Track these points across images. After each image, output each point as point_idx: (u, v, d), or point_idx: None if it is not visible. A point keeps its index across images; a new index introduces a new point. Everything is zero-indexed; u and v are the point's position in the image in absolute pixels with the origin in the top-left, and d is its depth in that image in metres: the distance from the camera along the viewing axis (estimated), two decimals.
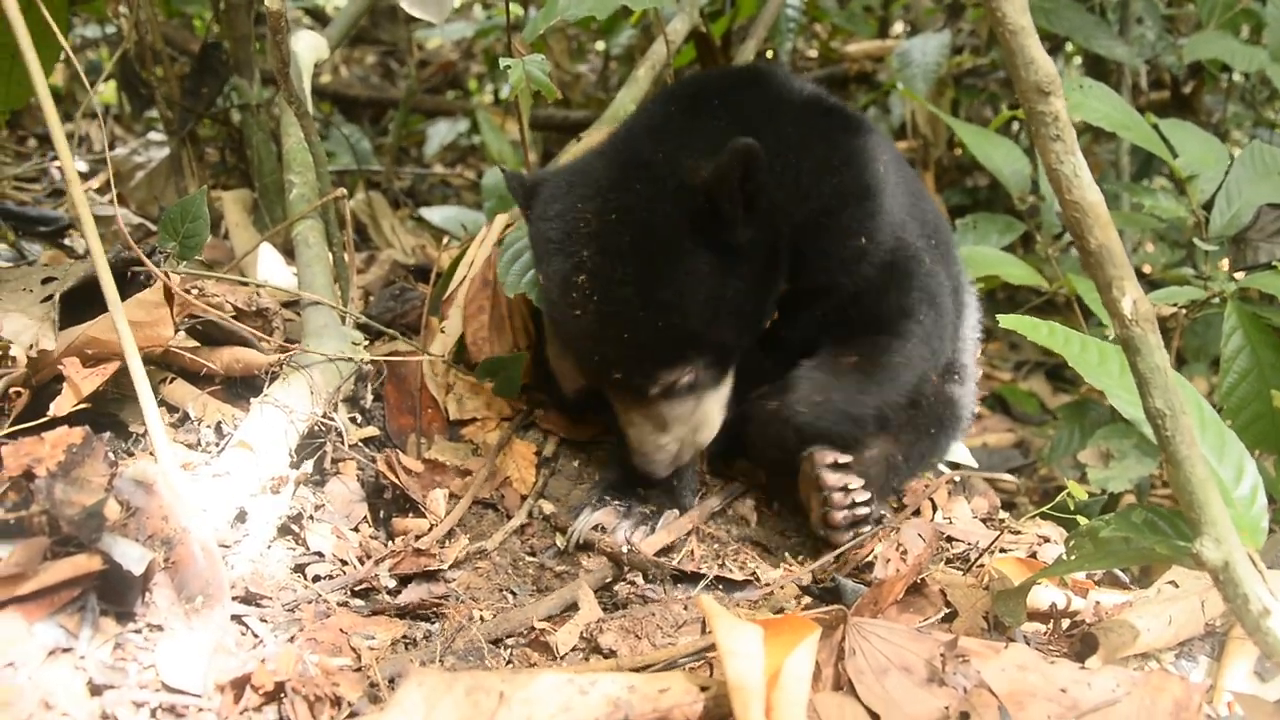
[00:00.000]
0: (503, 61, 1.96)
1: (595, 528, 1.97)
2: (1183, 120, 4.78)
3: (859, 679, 1.40)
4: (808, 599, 1.80)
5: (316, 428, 1.89)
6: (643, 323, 1.83)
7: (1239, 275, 2.58)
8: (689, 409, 1.96)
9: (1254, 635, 1.31)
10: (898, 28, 5.89)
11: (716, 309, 1.86)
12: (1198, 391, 1.49)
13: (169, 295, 1.80)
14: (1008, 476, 2.87)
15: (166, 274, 1.79)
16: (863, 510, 1.96)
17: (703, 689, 1.31)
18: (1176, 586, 1.71)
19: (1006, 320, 1.55)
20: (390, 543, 1.89)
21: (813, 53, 5.84)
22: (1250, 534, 1.39)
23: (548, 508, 2.07)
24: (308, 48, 2.64)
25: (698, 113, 2.03)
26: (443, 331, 2.16)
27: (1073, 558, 1.55)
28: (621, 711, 1.27)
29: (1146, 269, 4.89)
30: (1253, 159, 2.77)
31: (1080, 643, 1.54)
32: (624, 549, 1.88)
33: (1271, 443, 2.37)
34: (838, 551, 1.94)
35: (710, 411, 2.01)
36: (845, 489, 1.96)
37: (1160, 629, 1.60)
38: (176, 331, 1.87)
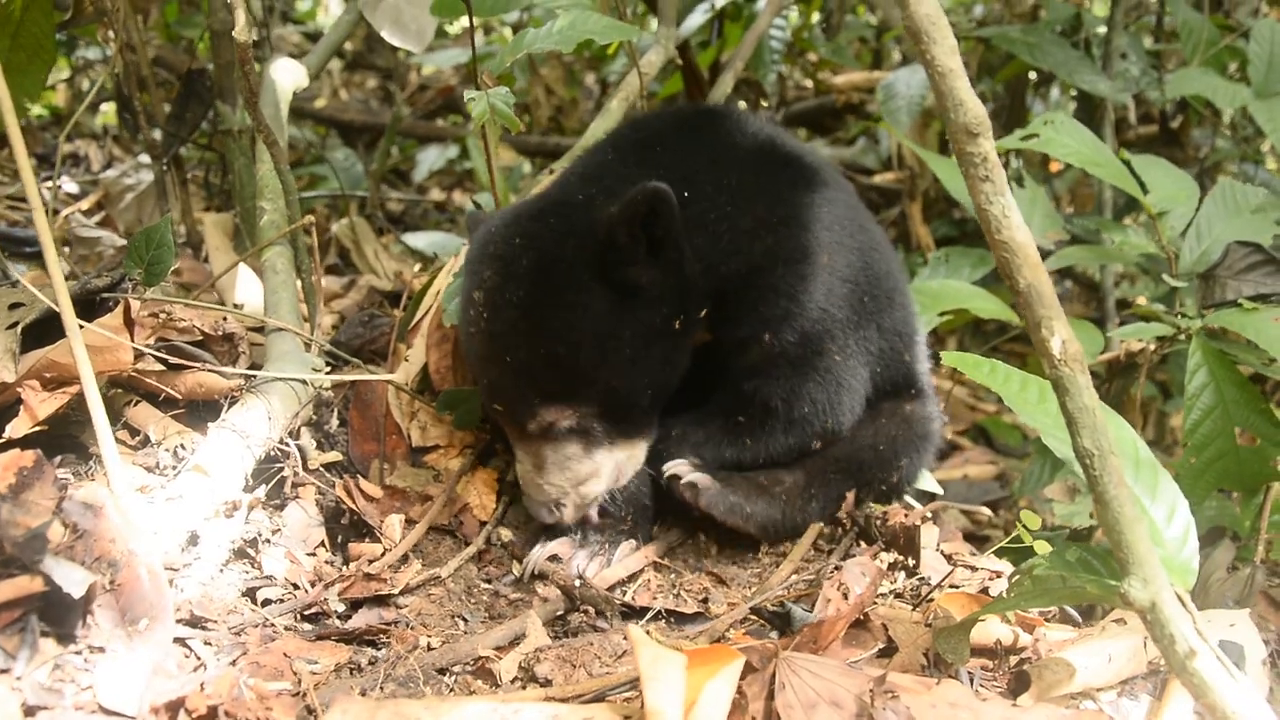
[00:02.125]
0: (466, 94, 1.99)
1: (550, 558, 1.98)
2: (1170, 154, 4.82)
3: (788, 713, 1.40)
4: (748, 629, 1.80)
5: (274, 452, 1.91)
6: (527, 349, 1.85)
7: (1206, 312, 2.59)
8: (572, 456, 1.94)
9: (1181, 676, 1.32)
10: (896, 56, 5.94)
11: (606, 349, 1.86)
12: (1134, 431, 1.50)
13: (129, 320, 1.83)
14: (984, 510, 2.87)
15: (128, 300, 1.81)
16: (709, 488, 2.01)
17: (626, 718, 1.32)
18: (1123, 624, 1.72)
19: (949, 358, 1.57)
20: (344, 567, 1.90)
21: (809, 82, 5.89)
22: (1180, 574, 1.40)
23: (506, 535, 2.09)
24: (287, 75, 2.68)
25: (636, 157, 2.05)
26: (406, 360, 2.18)
27: (1011, 595, 1.55)
28: None
29: (1142, 300, 4.90)
30: (1224, 196, 2.79)
31: (1014, 680, 1.54)
32: (576, 582, 1.89)
33: (1234, 480, 2.37)
34: (786, 581, 1.94)
35: (601, 466, 1.97)
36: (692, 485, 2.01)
37: (1099, 667, 1.60)
38: (138, 358, 1.89)
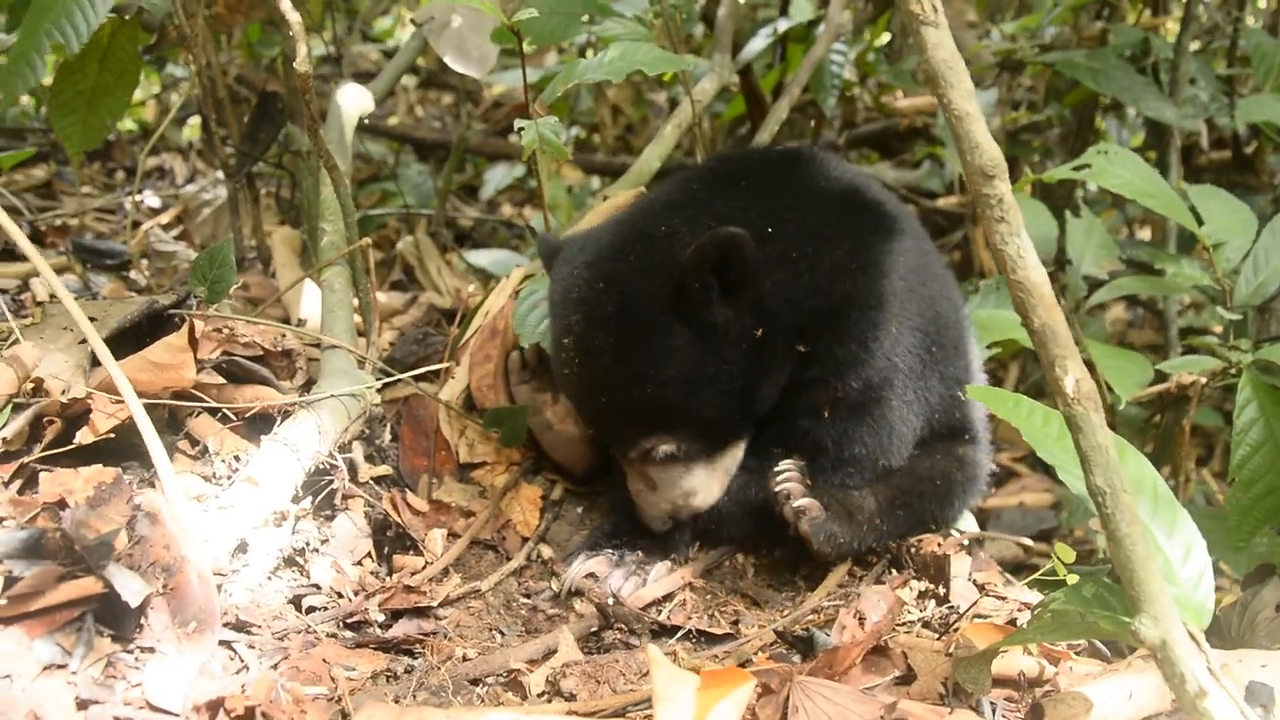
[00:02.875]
0: (516, 123, 2.06)
1: (588, 575, 2.04)
2: (1243, 181, 4.73)
3: None
4: (772, 652, 1.84)
5: (324, 465, 1.99)
6: (619, 391, 1.93)
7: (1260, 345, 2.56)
8: (675, 475, 2.03)
9: (1191, 715, 1.33)
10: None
11: (693, 385, 1.92)
12: (1153, 468, 1.51)
13: (193, 340, 1.93)
14: (1026, 540, 2.85)
15: (193, 319, 1.91)
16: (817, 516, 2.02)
17: None
18: (1148, 661, 1.72)
19: (974, 391, 1.59)
20: (388, 578, 1.98)
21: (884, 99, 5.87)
22: (1194, 613, 1.41)
23: (547, 552, 2.15)
24: (352, 101, 2.79)
25: (722, 191, 2.08)
26: (453, 378, 2.26)
27: (1031, 628, 1.57)
28: None
29: (1218, 329, 4.81)
30: None
31: (1031, 713, 1.56)
32: (610, 600, 1.95)
33: None
34: (814, 604, 1.98)
35: (703, 480, 2.06)
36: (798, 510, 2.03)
37: (1119, 703, 1.60)
38: (199, 372, 1.99)
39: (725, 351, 1.93)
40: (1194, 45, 4.27)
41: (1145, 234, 5.18)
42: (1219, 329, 4.49)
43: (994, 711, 1.65)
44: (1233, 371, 2.47)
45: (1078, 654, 1.89)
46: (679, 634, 1.92)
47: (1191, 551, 1.44)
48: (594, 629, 1.94)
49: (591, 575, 2.04)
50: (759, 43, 3.80)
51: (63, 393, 1.83)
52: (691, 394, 1.93)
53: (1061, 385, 1.34)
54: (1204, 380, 2.62)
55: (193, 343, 1.92)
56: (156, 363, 1.90)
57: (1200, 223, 2.69)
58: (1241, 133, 4.53)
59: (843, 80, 3.82)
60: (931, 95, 5.10)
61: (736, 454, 2.12)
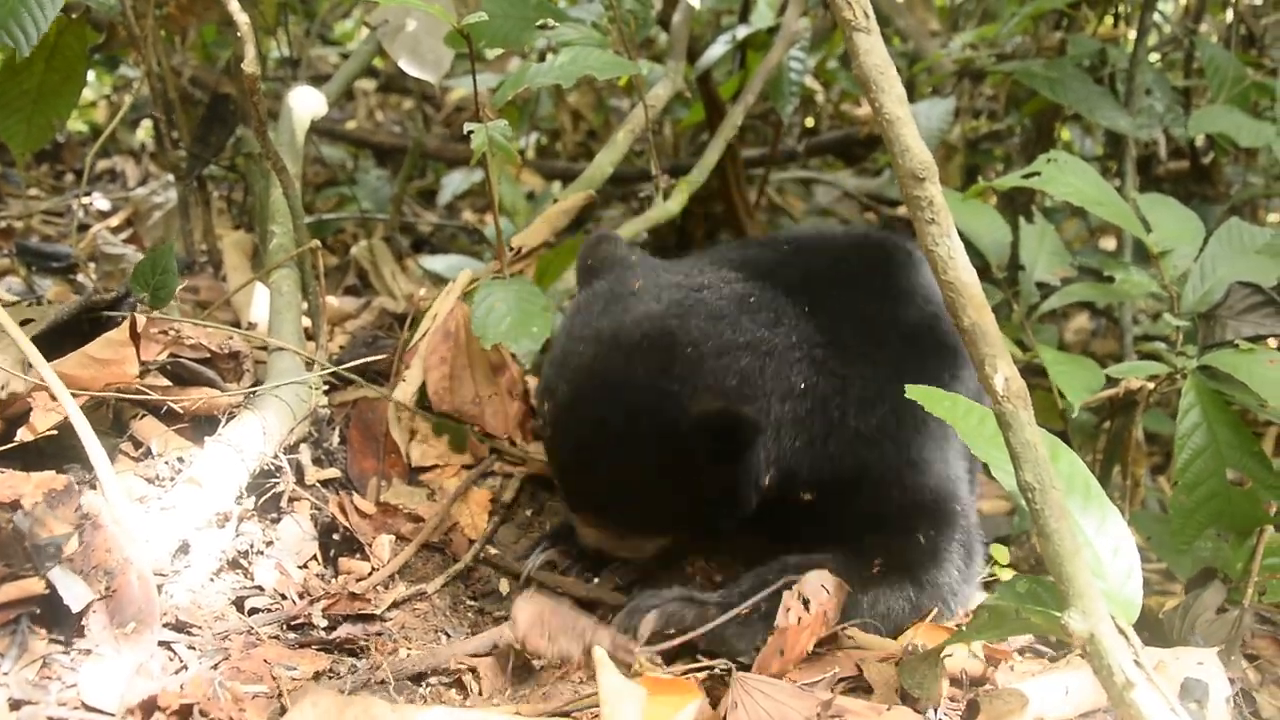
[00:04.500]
0: (466, 126, 2.06)
1: (544, 566, 2.06)
2: (1200, 192, 4.79)
3: None
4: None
5: (269, 467, 1.98)
6: (574, 469, 1.92)
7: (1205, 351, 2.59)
8: (607, 535, 2.00)
9: (1119, 708, 1.34)
10: (928, 90, 5.97)
11: (645, 507, 1.89)
12: (1084, 466, 1.53)
13: (135, 335, 1.91)
14: None
15: (134, 316, 1.90)
16: None
17: None
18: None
19: (912, 391, 1.60)
20: (334, 580, 1.97)
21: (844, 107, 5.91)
22: (1123, 607, 1.42)
23: (494, 553, 2.14)
24: (304, 104, 2.78)
25: (775, 303, 1.89)
26: (404, 381, 2.25)
27: (970, 628, 1.59)
28: None
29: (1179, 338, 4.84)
30: (1229, 236, 2.80)
31: (967, 710, 1.57)
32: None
33: (1226, 521, 2.38)
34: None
35: (637, 545, 2.03)
36: None
37: (1056, 699, 1.63)
38: (144, 371, 1.98)
39: (691, 496, 1.85)
40: (1152, 57, 4.33)
41: (1108, 243, 5.25)
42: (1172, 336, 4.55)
43: (936, 711, 1.67)
44: (1179, 377, 2.51)
45: (1021, 654, 1.91)
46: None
47: (1120, 547, 1.46)
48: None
49: (550, 565, 2.06)
50: (718, 49, 3.82)
51: (1, 389, 1.81)
52: (642, 512, 1.91)
53: (991, 383, 1.36)
54: (1151, 385, 2.65)
55: (135, 338, 1.90)
56: (98, 358, 1.88)
57: (1149, 230, 2.73)
58: (1199, 144, 4.59)
59: (802, 87, 3.83)
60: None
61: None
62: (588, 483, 1.91)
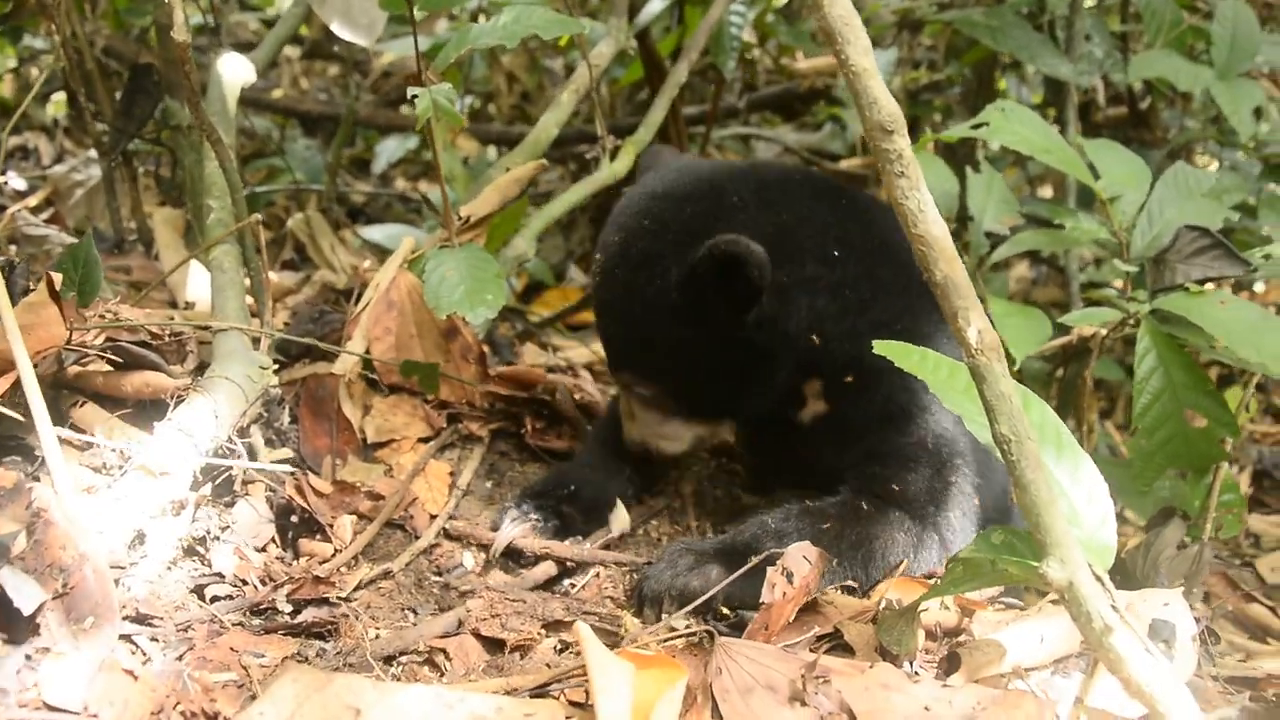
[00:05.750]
0: (409, 90, 2.00)
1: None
2: (1139, 137, 4.82)
3: (724, 698, 1.44)
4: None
5: (221, 450, 1.92)
6: (616, 322, 2.08)
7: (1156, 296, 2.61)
8: (652, 418, 2.13)
9: (1098, 651, 1.35)
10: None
11: (675, 359, 1.99)
12: (1056, 415, 1.53)
13: (54, 294, 1.82)
14: None
15: (49, 274, 1.81)
16: None
17: (568, 718, 1.35)
18: (1058, 606, 1.75)
19: (880, 346, 1.59)
20: (295, 562, 1.92)
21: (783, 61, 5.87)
22: (1099, 554, 1.43)
23: (457, 528, 2.10)
24: (233, 72, 2.68)
25: (815, 204, 2.04)
26: (347, 354, 2.19)
27: (945, 581, 1.58)
28: None
29: (1118, 284, 4.90)
30: (1175, 180, 2.81)
31: (946, 661, 1.57)
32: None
33: (1185, 461, 2.41)
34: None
35: (674, 431, 2.15)
36: None
37: (1032, 647, 1.63)
38: (82, 358, 1.90)
39: (712, 351, 1.96)
40: (1089, 2, 4.34)
41: (1046, 191, 5.28)
42: (1119, 283, 4.59)
43: (911, 664, 1.67)
44: (1131, 323, 2.52)
45: (991, 604, 1.92)
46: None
47: (1094, 495, 1.46)
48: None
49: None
50: (656, 5, 3.75)
51: None
52: (674, 363, 1.99)
53: (965, 336, 1.35)
54: (1104, 332, 2.67)
55: (55, 296, 1.82)
56: (24, 326, 1.78)
57: (1097, 177, 2.74)
58: (1137, 89, 4.63)
59: (742, 42, 3.79)
60: (831, 55, 5.12)
61: (718, 431, 2.20)
62: (628, 332, 2.05)
